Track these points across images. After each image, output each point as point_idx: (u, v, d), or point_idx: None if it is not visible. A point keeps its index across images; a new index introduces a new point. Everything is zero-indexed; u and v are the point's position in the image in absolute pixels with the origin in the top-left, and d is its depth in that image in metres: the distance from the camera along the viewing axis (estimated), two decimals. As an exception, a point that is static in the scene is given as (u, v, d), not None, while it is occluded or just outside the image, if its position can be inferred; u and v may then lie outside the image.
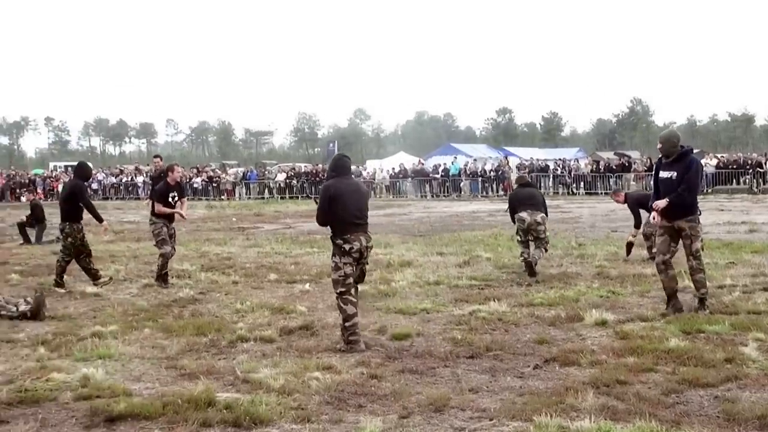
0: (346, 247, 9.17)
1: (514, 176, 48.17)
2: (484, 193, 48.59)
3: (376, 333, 9.78)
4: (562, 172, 49.22)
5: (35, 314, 11.23)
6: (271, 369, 8.01)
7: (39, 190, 55.53)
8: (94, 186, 56.07)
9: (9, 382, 7.77)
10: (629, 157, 54.31)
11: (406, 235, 22.37)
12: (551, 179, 48.71)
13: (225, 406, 6.80)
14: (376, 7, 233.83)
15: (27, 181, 59.16)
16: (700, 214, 10.59)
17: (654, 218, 10.52)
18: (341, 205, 9.21)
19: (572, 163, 52.48)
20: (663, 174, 10.44)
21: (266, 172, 60.05)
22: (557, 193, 46.64)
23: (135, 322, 10.67)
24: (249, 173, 58.90)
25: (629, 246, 15.99)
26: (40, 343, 9.42)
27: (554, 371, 7.91)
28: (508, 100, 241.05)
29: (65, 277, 14.05)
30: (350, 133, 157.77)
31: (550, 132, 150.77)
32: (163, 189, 14.28)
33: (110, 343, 9.31)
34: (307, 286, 13.38)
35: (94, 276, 14.08)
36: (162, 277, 13.93)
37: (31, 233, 22.76)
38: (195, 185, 54.38)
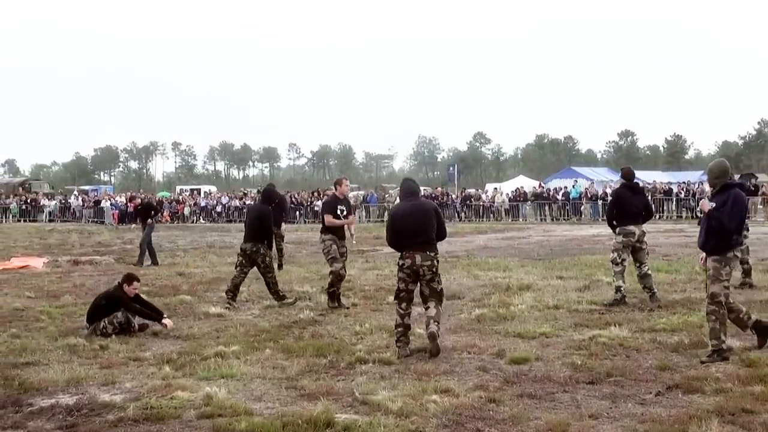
0: (400, 263, 10.11)
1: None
2: (605, 217, 47.72)
3: (495, 356, 9.73)
4: (686, 196, 48.10)
5: None
6: (390, 391, 8.05)
7: (165, 213, 57.07)
8: (218, 209, 57.29)
9: (136, 399, 7.99)
10: (756, 178, 52.66)
11: (525, 259, 22.20)
12: (674, 203, 47.64)
13: (344, 427, 6.87)
14: (495, 31, 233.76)
15: (155, 203, 60.71)
16: (736, 255, 9.76)
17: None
18: (398, 226, 10.18)
19: (696, 186, 51.27)
20: None
21: (386, 196, 60.31)
22: (680, 217, 45.50)
23: (256, 342, 10.85)
24: (369, 196, 59.21)
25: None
26: (166, 362, 9.67)
27: (677, 398, 7.75)
28: (630, 123, 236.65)
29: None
30: (470, 157, 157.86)
31: (673, 155, 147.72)
32: (332, 201, 14.47)
33: (232, 363, 9.49)
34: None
35: (233, 295, 14.50)
36: (332, 295, 13.91)
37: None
38: (316, 208, 54.99)
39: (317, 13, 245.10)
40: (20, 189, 73.58)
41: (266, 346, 10.56)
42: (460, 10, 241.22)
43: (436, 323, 10.00)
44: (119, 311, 11.68)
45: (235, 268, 14.68)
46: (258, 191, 55.09)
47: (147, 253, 23.04)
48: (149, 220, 23.82)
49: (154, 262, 22.71)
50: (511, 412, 7.29)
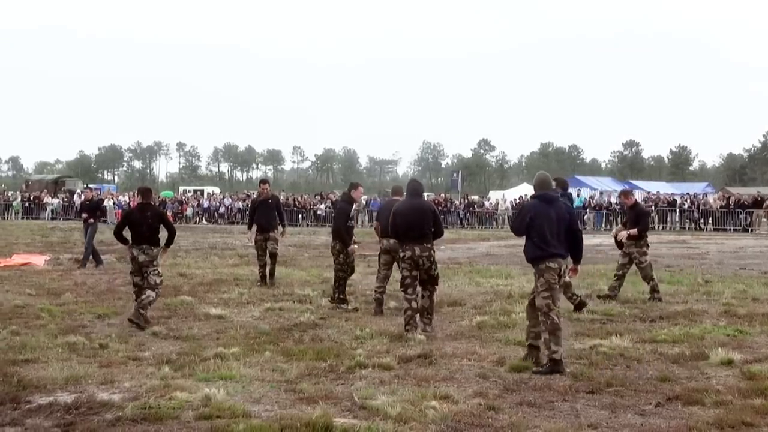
0: (402, 254, 11.71)
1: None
2: (608, 227, 47.71)
3: (495, 364, 9.72)
4: (689, 207, 48.09)
5: None
6: (389, 396, 8.03)
7: (168, 213, 57.06)
8: (221, 210, 57.28)
9: (134, 398, 7.98)
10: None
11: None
12: (678, 214, 47.62)
13: (342, 431, 6.85)
14: (501, 37, 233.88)
15: (157, 203, 60.71)
16: (549, 267, 9.57)
17: None
18: (398, 221, 11.73)
19: (701, 197, 51.25)
20: None
21: (389, 201, 60.22)
22: (684, 228, 45.51)
23: (256, 344, 10.83)
24: (372, 201, 59.12)
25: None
26: (165, 362, 9.65)
27: (677, 410, 7.73)
28: (635, 133, 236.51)
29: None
30: (474, 164, 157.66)
31: (678, 166, 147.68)
32: None
33: (232, 365, 9.48)
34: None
35: (336, 296, 14.54)
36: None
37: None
38: (318, 212, 55.00)
39: (322, 17, 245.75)
40: (54, 186, 73.65)
41: (266, 348, 10.54)
42: (467, 17, 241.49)
43: (428, 317, 11.83)
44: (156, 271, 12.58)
45: None
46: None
47: (91, 254, 21.98)
48: (91, 219, 22.84)
49: (99, 262, 21.77)
50: (510, 420, 7.28)
